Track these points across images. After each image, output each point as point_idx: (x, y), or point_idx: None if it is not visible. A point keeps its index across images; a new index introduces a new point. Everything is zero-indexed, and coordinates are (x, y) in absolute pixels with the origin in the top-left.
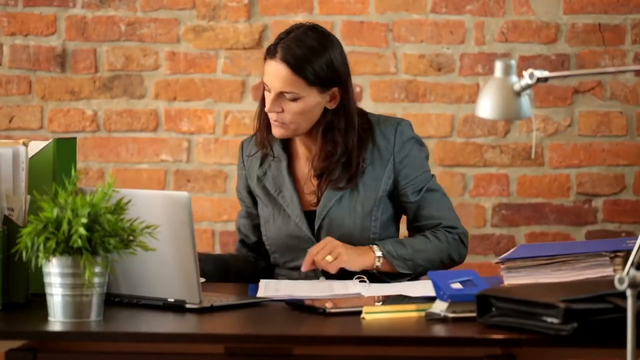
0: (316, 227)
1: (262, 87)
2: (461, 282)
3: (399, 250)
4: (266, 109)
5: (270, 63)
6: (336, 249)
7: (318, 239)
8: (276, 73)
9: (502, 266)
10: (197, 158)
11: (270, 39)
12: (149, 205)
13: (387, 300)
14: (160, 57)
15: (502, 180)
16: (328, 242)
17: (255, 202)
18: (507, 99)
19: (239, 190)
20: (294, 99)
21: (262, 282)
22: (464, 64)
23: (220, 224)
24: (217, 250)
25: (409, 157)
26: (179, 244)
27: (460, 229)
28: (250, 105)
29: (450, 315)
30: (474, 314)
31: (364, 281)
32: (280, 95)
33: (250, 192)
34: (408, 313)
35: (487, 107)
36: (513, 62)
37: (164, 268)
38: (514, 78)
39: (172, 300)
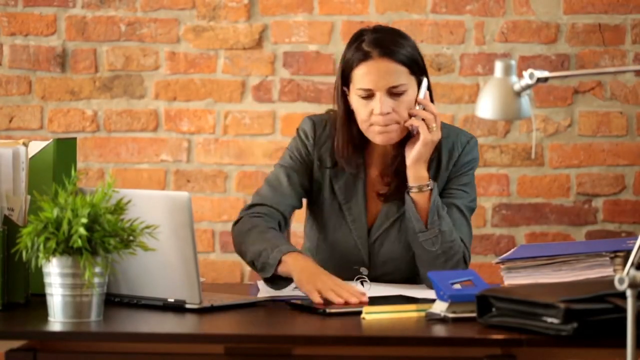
0: (368, 245)
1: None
2: (461, 283)
3: (441, 206)
4: (379, 112)
5: (368, 64)
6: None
7: (370, 261)
8: (380, 71)
9: (502, 266)
10: (197, 158)
11: (270, 39)
12: (149, 205)
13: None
14: (160, 57)
15: (502, 180)
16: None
17: (309, 181)
18: (507, 99)
19: (294, 159)
20: (402, 92)
21: (262, 283)
22: (464, 64)
23: (220, 224)
24: (217, 251)
25: (460, 175)
26: (179, 244)
27: (467, 266)
28: (250, 106)
29: (450, 315)
30: (474, 314)
31: (366, 281)
32: (387, 93)
33: (309, 174)
34: (408, 313)
35: (487, 107)
36: (513, 62)
37: (164, 268)
38: (514, 78)
39: (172, 300)
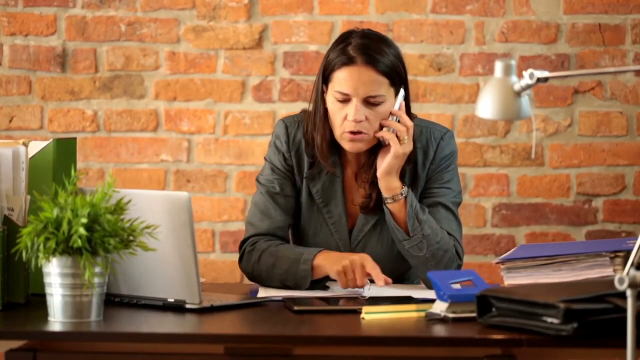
0: (351, 249)
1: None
2: (461, 283)
3: (419, 210)
4: (353, 119)
5: (350, 69)
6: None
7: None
8: (361, 78)
9: (502, 266)
10: (197, 158)
11: (270, 39)
12: (149, 205)
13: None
14: (160, 57)
15: (502, 180)
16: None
17: (294, 189)
18: (507, 99)
19: (276, 171)
20: (379, 103)
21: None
22: (464, 64)
23: (220, 224)
24: (217, 251)
25: (440, 172)
26: (179, 244)
27: (462, 261)
28: (250, 106)
29: (450, 315)
30: (474, 314)
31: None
32: (364, 101)
33: (293, 182)
34: (408, 313)
35: (487, 107)
36: (513, 62)
37: (164, 268)
38: (514, 78)
39: (172, 300)
